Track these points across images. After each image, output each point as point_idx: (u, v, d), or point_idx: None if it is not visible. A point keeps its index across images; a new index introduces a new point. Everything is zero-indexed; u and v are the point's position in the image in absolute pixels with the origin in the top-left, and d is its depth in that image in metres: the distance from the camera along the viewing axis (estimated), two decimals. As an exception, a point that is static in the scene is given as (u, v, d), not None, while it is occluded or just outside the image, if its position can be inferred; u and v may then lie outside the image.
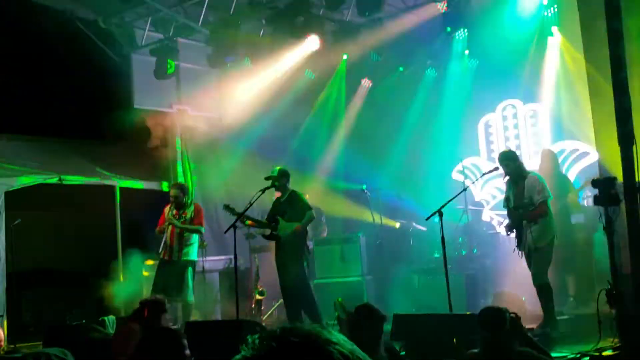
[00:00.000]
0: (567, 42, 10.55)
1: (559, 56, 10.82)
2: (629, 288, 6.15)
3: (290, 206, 8.71)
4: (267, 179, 8.71)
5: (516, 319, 5.00)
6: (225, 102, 12.16)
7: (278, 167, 8.87)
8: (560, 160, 10.45)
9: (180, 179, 11.73)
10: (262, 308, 10.47)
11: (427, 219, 7.68)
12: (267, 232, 8.87)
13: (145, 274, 10.36)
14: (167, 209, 9.39)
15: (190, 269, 9.32)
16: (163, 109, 11.74)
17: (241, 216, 8.34)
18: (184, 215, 9.29)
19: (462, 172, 10.75)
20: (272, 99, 12.15)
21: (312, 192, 10.72)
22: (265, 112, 12.24)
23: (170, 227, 9.19)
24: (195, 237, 9.38)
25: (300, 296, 8.60)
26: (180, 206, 9.33)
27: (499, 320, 4.79)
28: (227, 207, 8.72)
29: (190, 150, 12.10)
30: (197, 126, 12.15)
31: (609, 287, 6.00)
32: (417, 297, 9.93)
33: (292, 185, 8.96)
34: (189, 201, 9.55)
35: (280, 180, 8.70)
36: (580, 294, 9.27)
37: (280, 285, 8.89)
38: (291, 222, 8.61)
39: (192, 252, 9.37)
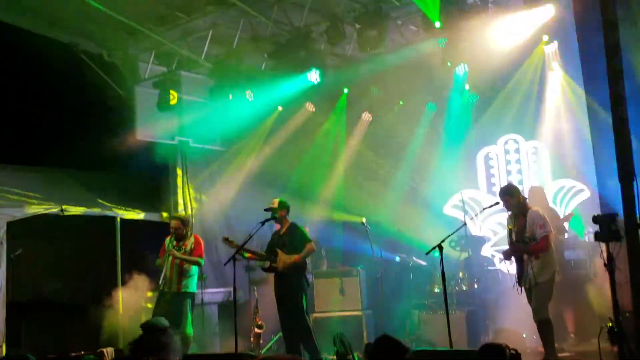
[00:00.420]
0: (568, 77, 10.65)
1: (560, 92, 10.92)
2: (630, 325, 6.12)
3: (290, 238, 8.71)
4: (267, 210, 8.73)
5: (516, 355, 4.96)
6: (226, 134, 12.23)
7: (278, 199, 8.90)
8: (559, 197, 10.52)
9: (181, 210, 11.77)
10: (261, 341, 10.40)
11: (427, 253, 7.66)
12: (267, 264, 8.84)
13: (145, 305, 10.32)
14: (167, 240, 9.40)
15: (189, 301, 9.29)
16: (165, 141, 11.81)
17: (240, 249, 8.34)
18: (184, 247, 9.29)
19: (461, 206, 10.77)
20: (273, 131, 12.22)
21: (312, 225, 10.74)
22: (266, 144, 12.33)
23: (170, 258, 9.17)
24: (194, 269, 9.35)
25: (299, 330, 8.56)
26: (180, 238, 9.33)
27: (499, 357, 4.75)
28: (226, 240, 8.72)
29: (191, 180, 12.14)
30: (198, 157, 12.22)
31: (611, 324, 5.97)
32: (416, 332, 9.88)
33: (292, 217, 8.97)
34: (189, 233, 9.55)
35: (280, 212, 8.72)
36: (580, 330, 9.24)
37: (280, 318, 8.85)
38: (290, 255, 8.61)
39: (192, 284, 9.35)
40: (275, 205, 8.75)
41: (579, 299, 9.29)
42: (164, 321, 6.38)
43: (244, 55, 10.87)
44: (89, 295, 11.53)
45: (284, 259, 8.63)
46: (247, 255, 8.83)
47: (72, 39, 10.94)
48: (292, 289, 8.57)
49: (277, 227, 9.00)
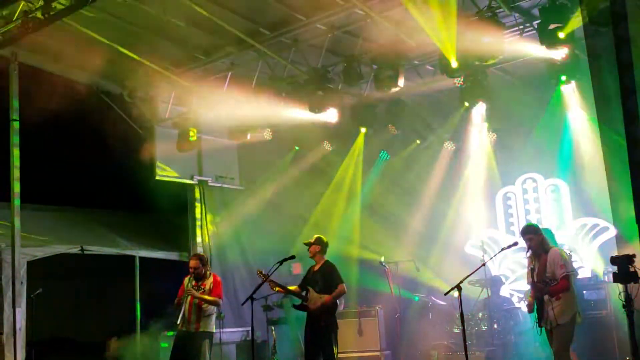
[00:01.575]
0: (588, 115, 10.62)
1: (579, 131, 10.87)
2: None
3: (323, 277, 8.65)
4: (305, 243, 8.76)
5: None
6: (245, 173, 12.32)
7: (317, 235, 8.91)
8: (581, 235, 10.39)
9: (200, 249, 11.80)
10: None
11: (446, 293, 7.58)
12: (297, 301, 8.82)
13: (164, 344, 10.31)
14: (186, 279, 9.39)
15: (207, 341, 9.24)
16: (184, 180, 11.91)
17: (269, 280, 8.35)
18: (202, 287, 9.27)
19: (480, 246, 10.69)
20: (290, 170, 12.27)
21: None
22: (284, 183, 12.37)
23: (189, 298, 9.17)
24: (213, 309, 9.34)
25: None
26: (199, 277, 9.31)
27: None
28: (260, 273, 8.69)
29: (210, 219, 12.20)
30: (217, 196, 12.30)
31: (631, 366, 5.86)
32: (436, 373, 9.77)
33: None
34: (208, 272, 9.55)
35: (314, 247, 8.71)
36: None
37: (306, 357, 8.77)
38: (322, 295, 8.55)
39: (210, 324, 9.30)
40: (312, 240, 8.77)
41: (598, 340, 9.13)
42: None
43: (262, 95, 10.98)
44: (108, 334, 11.57)
45: (315, 298, 8.58)
46: (276, 289, 8.81)
47: (93, 80, 11.14)
48: (322, 330, 8.49)
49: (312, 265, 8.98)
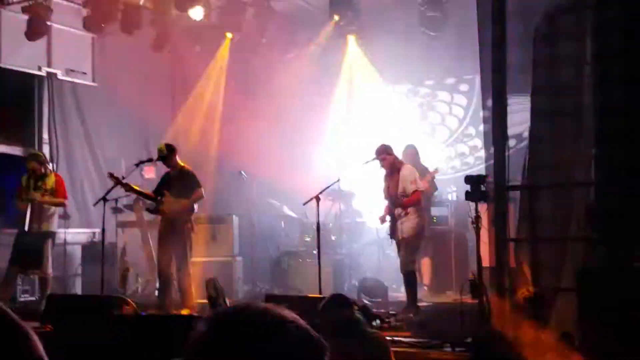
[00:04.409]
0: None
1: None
2: (489, 280, 6.59)
3: (181, 182, 8.57)
4: (159, 150, 8.62)
5: (363, 310, 5.19)
6: (98, 68, 11.71)
7: (164, 143, 8.76)
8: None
9: (45, 145, 11.18)
10: (127, 284, 10.24)
11: (305, 203, 7.84)
12: (153, 205, 8.71)
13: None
14: (24, 179, 8.97)
15: (49, 241, 9.03)
16: (31, 71, 11.11)
17: (121, 183, 8.23)
18: (43, 187, 8.94)
19: (336, 160, 11.00)
20: (151, 72, 11.82)
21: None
22: (143, 85, 11.91)
23: (30, 199, 8.79)
24: (55, 209, 9.07)
25: (180, 274, 8.50)
26: (38, 177, 8.94)
27: (343, 306, 4.94)
28: (111, 176, 8.46)
29: (58, 116, 11.51)
30: (66, 92, 11.60)
31: (473, 278, 6.39)
32: (286, 279, 10.10)
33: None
34: (48, 171, 9.17)
35: (169, 155, 8.57)
36: (434, 283, 9.80)
37: (157, 261, 8.75)
38: (178, 199, 8.49)
39: (52, 224, 9.07)
40: (163, 148, 8.61)
41: (436, 254, 9.83)
42: None
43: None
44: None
45: (171, 202, 8.50)
46: (135, 187, 8.67)
47: None
48: (178, 234, 8.46)
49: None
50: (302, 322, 1.43)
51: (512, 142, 7.21)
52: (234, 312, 1.44)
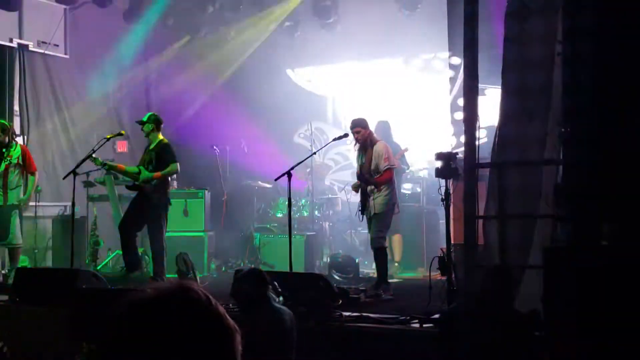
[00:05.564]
0: None
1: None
2: (458, 257, 6.63)
3: (157, 156, 8.51)
4: (137, 122, 8.51)
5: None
6: (71, 40, 11.50)
7: (150, 113, 8.69)
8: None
9: (16, 117, 11.01)
10: (98, 258, 10.18)
11: (277, 179, 7.82)
12: (131, 182, 8.68)
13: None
14: None
15: (16, 212, 8.99)
16: (2, 42, 10.88)
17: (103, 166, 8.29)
18: (9, 158, 8.87)
19: (309, 136, 10.98)
20: (126, 46, 11.68)
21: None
22: (116, 61, 11.77)
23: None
24: (20, 180, 9.02)
25: (153, 248, 8.47)
26: (3, 147, 8.89)
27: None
28: (94, 159, 8.39)
29: (29, 89, 11.30)
30: (38, 64, 11.40)
31: (442, 255, 6.43)
32: (257, 255, 10.11)
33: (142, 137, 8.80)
34: (13, 142, 9.09)
35: (149, 125, 8.50)
36: (405, 260, 9.86)
37: (122, 220, 8.70)
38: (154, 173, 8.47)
39: (18, 195, 9.01)
40: (145, 119, 8.56)
41: (407, 230, 9.88)
42: None
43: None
44: None
45: (145, 174, 8.46)
46: (115, 165, 8.67)
47: None
48: (151, 207, 8.41)
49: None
50: (218, 309, 1.48)
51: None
52: (151, 297, 1.47)
